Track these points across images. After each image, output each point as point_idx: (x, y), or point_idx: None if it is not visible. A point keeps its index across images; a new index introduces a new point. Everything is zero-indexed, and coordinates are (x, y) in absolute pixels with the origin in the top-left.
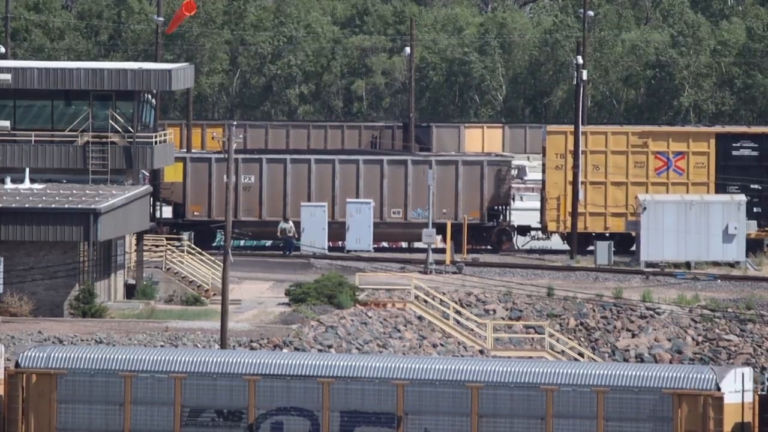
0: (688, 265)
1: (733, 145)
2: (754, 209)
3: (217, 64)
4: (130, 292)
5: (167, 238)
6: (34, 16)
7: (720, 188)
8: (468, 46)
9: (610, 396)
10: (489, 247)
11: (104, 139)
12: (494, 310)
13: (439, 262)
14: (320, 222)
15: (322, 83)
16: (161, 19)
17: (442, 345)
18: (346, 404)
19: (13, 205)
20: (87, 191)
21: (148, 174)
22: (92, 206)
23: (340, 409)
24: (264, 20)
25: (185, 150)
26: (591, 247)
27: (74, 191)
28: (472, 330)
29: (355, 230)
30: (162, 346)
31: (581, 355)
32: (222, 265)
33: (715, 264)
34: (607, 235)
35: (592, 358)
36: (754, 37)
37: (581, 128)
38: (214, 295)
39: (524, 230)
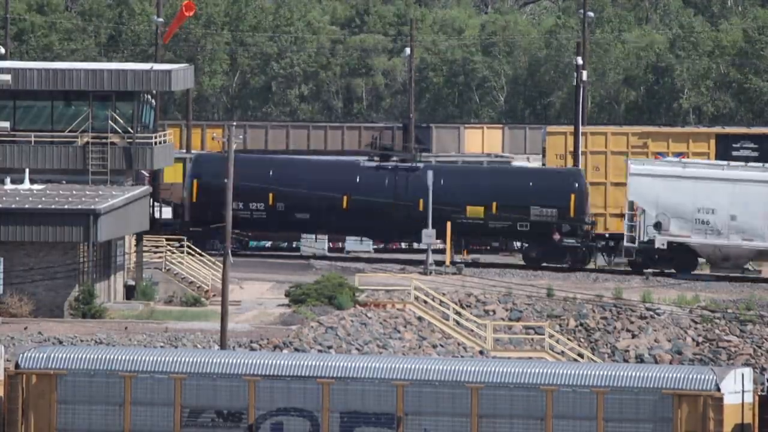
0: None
1: (733, 145)
2: None
3: (217, 65)
4: (130, 292)
5: (167, 239)
6: (37, 17)
7: None
8: (471, 46)
9: (609, 396)
10: (489, 247)
11: (104, 140)
12: (494, 311)
13: (438, 263)
14: None
15: (322, 83)
16: (161, 20)
17: (441, 346)
18: (346, 405)
19: (13, 206)
20: (87, 192)
21: (147, 174)
22: (92, 207)
23: (340, 409)
24: (263, 21)
25: (185, 150)
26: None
27: (74, 192)
28: (472, 331)
29: None
30: (162, 346)
31: (581, 355)
32: (222, 266)
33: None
34: (607, 236)
35: (592, 359)
36: (752, 39)
37: (581, 129)
38: (214, 296)
39: None
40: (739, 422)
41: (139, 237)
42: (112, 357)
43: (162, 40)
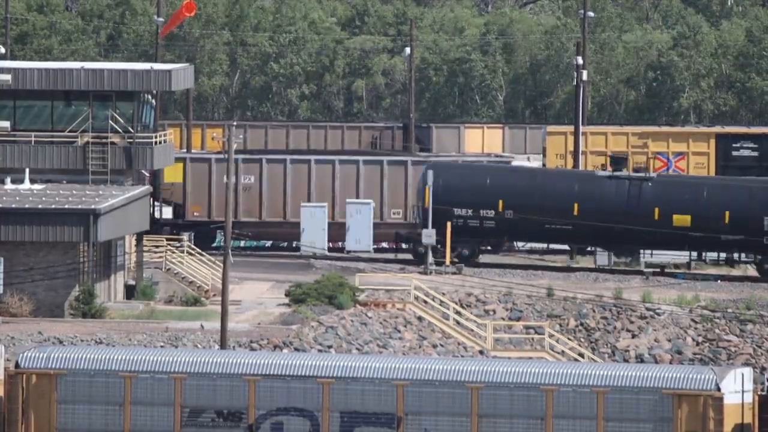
0: (688, 265)
1: (733, 145)
2: None
3: (216, 65)
4: (130, 292)
5: (167, 239)
6: (37, 17)
7: None
8: (470, 45)
9: (610, 396)
10: (489, 247)
11: (104, 140)
12: (494, 311)
13: (438, 263)
14: (320, 222)
15: (323, 83)
16: (161, 19)
17: (442, 345)
18: (346, 405)
19: (13, 206)
20: (87, 192)
21: (148, 175)
22: (92, 207)
23: (340, 409)
24: (263, 21)
25: (185, 150)
26: (591, 248)
27: (74, 192)
28: (472, 330)
29: (355, 231)
30: (162, 346)
31: (581, 355)
32: (222, 265)
33: (715, 264)
34: None
35: (592, 359)
36: (754, 39)
37: (581, 129)
38: (214, 295)
39: None
40: (739, 422)
41: (139, 237)
42: (112, 357)
43: (159, 34)
